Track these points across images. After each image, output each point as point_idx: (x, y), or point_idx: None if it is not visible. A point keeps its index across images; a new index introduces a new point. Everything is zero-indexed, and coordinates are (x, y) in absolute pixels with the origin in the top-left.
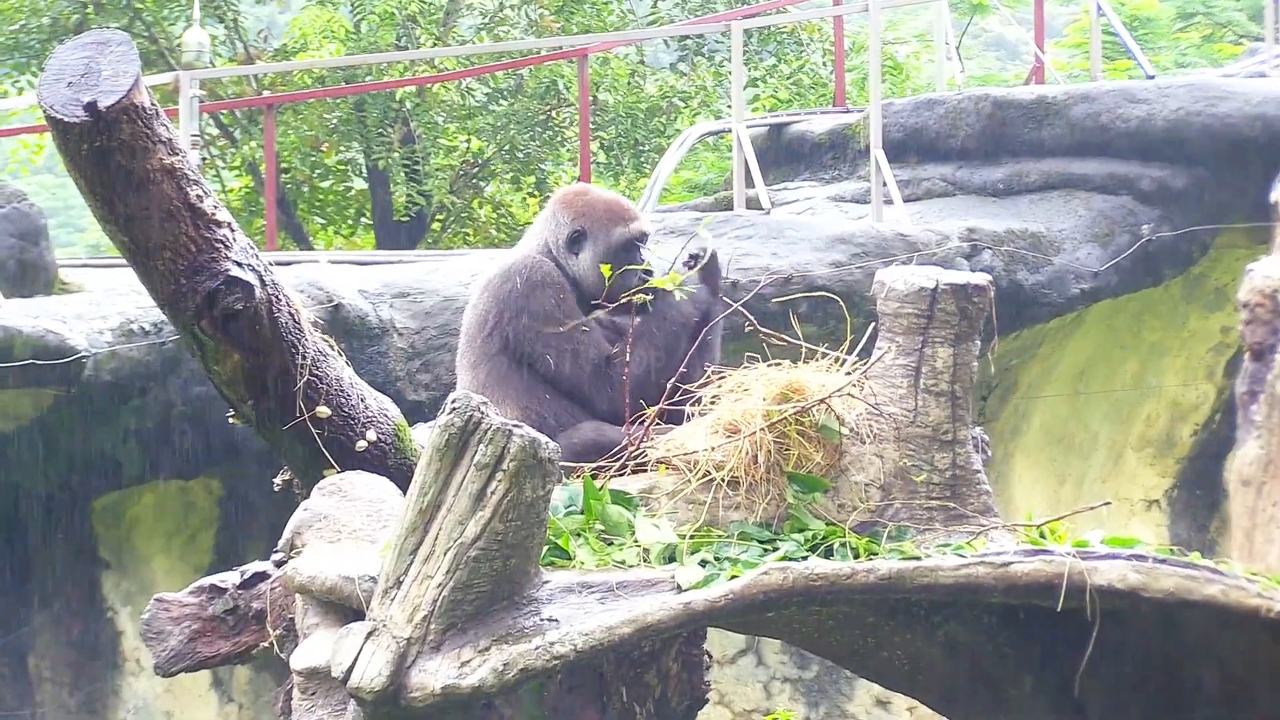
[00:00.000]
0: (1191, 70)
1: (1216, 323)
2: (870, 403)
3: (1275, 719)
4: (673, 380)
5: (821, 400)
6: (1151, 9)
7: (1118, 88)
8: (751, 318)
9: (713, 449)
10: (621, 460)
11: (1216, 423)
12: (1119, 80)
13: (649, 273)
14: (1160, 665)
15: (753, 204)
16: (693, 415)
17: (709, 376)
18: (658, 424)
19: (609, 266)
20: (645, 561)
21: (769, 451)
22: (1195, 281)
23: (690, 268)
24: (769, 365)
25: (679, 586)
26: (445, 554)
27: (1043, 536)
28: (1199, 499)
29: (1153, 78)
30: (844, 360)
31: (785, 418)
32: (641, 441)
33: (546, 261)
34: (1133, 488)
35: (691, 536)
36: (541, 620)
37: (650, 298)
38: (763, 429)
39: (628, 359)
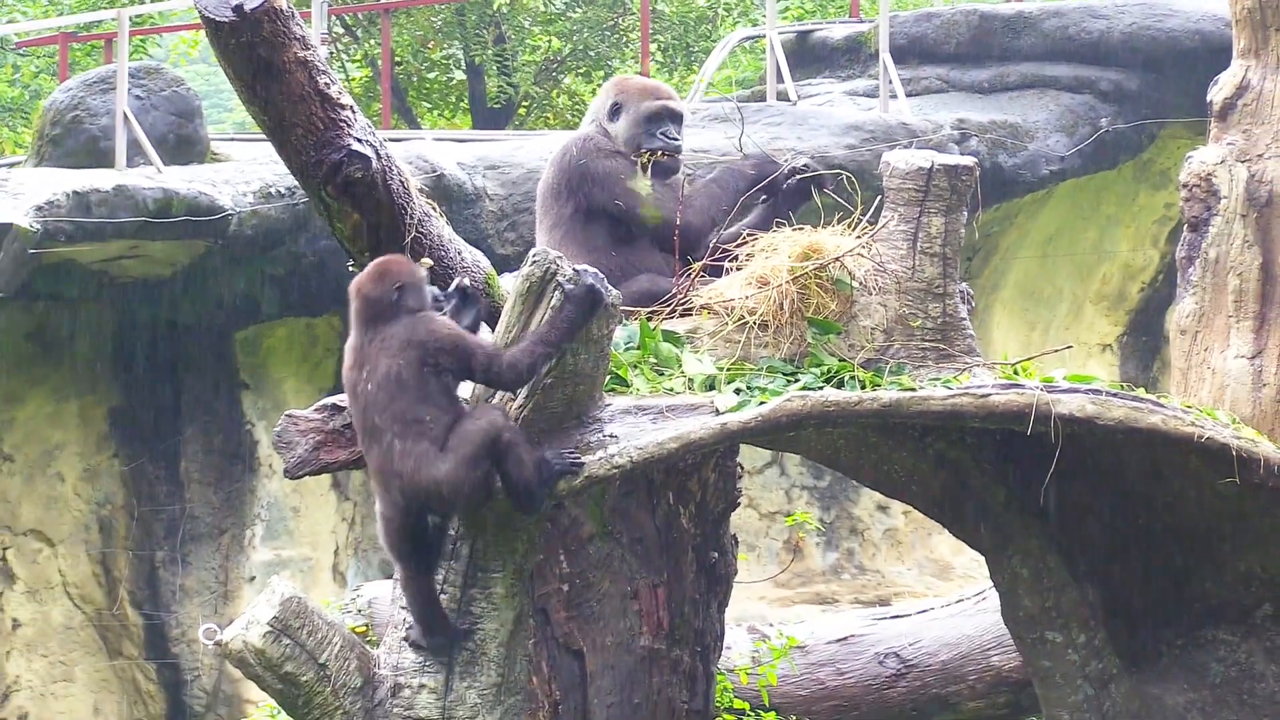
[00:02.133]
0: None
1: (1161, 200)
2: (876, 261)
3: (1203, 525)
4: (714, 240)
5: (837, 258)
6: None
7: (1083, 5)
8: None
9: (746, 298)
10: (671, 306)
11: (1160, 282)
12: None
13: (674, 138)
14: (1112, 482)
15: (782, 97)
16: (730, 269)
17: (744, 238)
18: (702, 276)
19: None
20: (690, 389)
21: (793, 300)
22: (1144, 166)
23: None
24: (794, 229)
25: (717, 410)
26: None
27: (1016, 373)
28: (1144, 344)
29: None
30: (855, 226)
31: (806, 272)
32: (688, 291)
33: (596, 135)
34: (1090, 334)
35: (728, 369)
36: (604, 436)
37: (661, 157)
38: (788, 281)
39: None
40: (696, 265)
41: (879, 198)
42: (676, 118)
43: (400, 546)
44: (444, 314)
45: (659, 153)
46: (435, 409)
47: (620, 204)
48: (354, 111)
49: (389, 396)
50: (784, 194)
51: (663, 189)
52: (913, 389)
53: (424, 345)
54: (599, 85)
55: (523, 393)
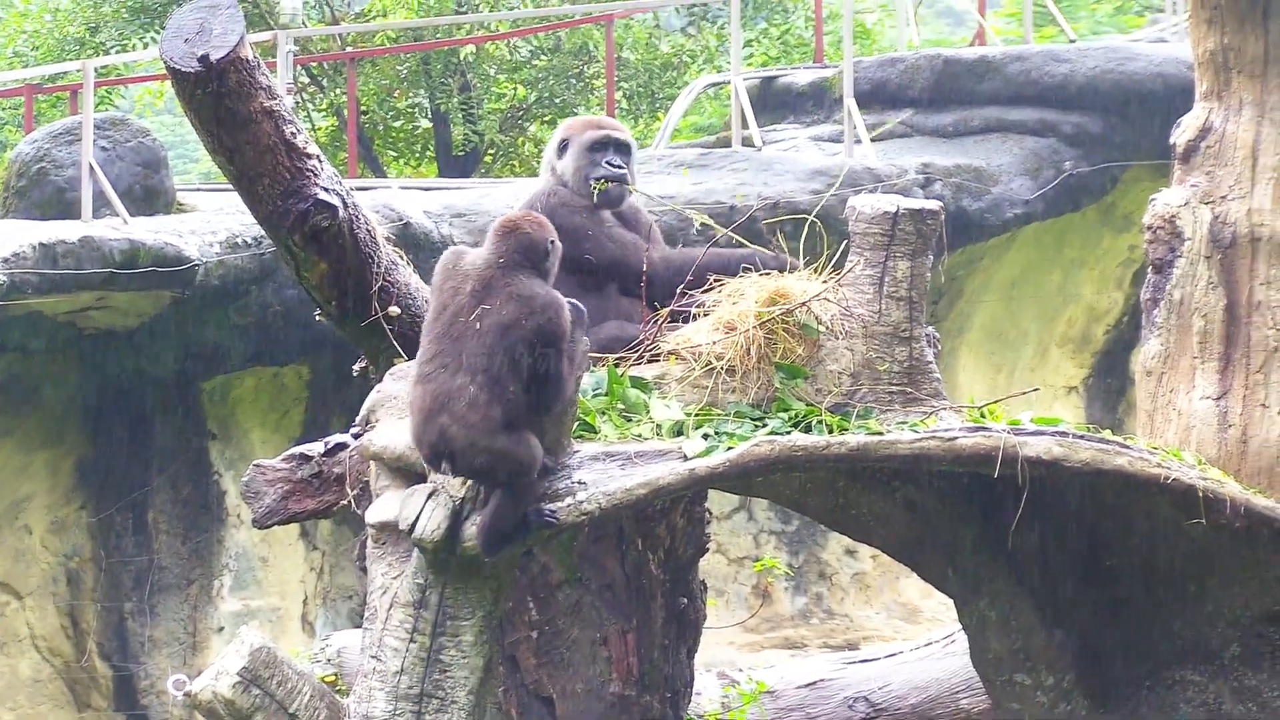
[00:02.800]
0: (1105, 36)
1: (1125, 242)
2: (843, 306)
3: (1170, 566)
4: (681, 287)
5: (803, 303)
6: None
7: (1045, 49)
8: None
9: (714, 343)
10: (639, 352)
11: (1124, 324)
12: (1046, 44)
13: (619, 166)
14: (1079, 524)
15: (747, 143)
16: (698, 315)
17: (711, 283)
18: (669, 322)
19: (584, 160)
20: (658, 435)
21: (760, 345)
22: (1108, 208)
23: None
24: (760, 274)
25: (685, 455)
26: None
27: (983, 416)
28: (1110, 386)
29: (1074, 41)
30: (822, 271)
31: (773, 317)
32: (655, 336)
33: (558, 187)
34: (1056, 376)
35: (696, 415)
36: (573, 483)
37: (606, 185)
38: (755, 327)
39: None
40: (664, 311)
41: (845, 242)
42: (621, 147)
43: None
44: None
45: (603, 181)
46: (519, 388)
47: (591, 258)
48: (320, 160)
49: (494, 346)
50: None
51: (630, 236)
52: (880, 433)
53: (550, 324)
54: None
55: None
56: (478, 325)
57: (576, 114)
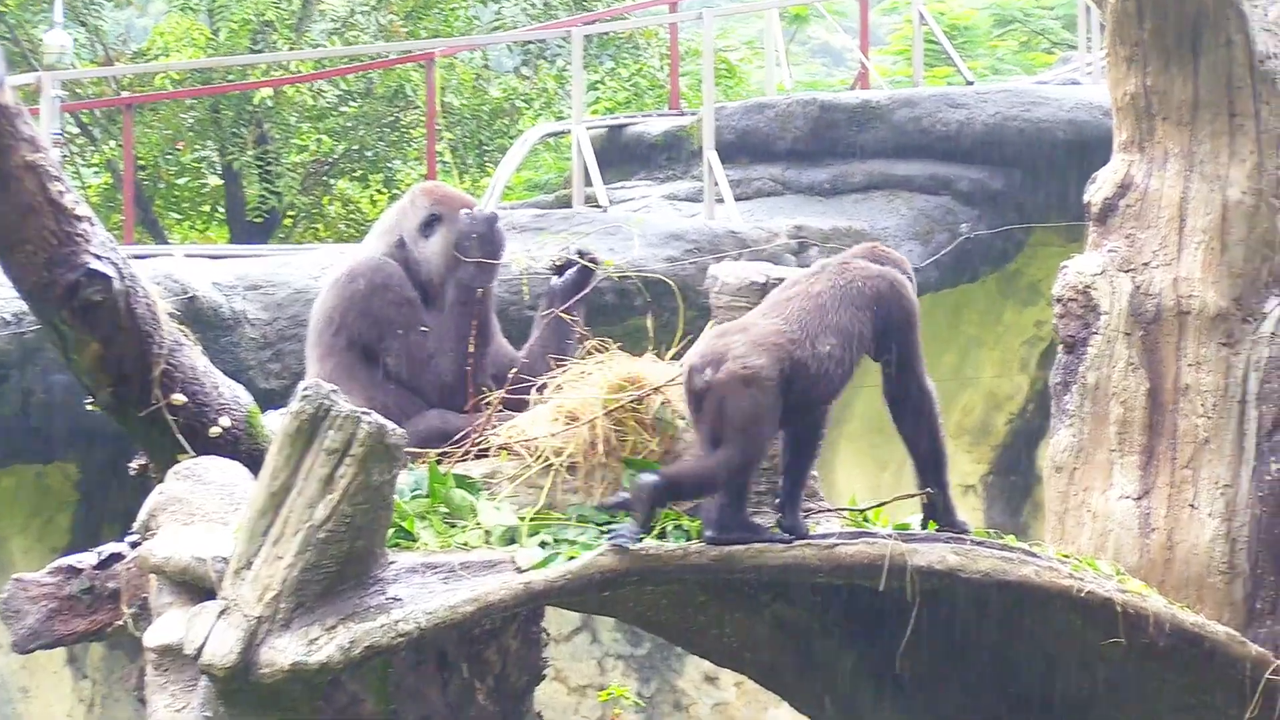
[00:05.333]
0: (1008, 77)
1: (1030, 317)
2: None
3: (1082, 692)
4: (516, 370)
5: (657, 389)
6: (970, 18)
7: (938, 93)
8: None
9: (553, 435)
10: (465, 446)
11: (1030, 412)
12: (939, 86)
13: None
14: (978, 642)
15: (591, 202)
16: (535, 403)
17: (552, 365)
18: (502, 411)
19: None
20: (487, 543)
21: (607, 438)
22: (1010, 278)
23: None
24: (598, 346)
25: (519, 567)
26: (295, 535)
27: (866, 520)
28: (1013, 484)
29: (972, 84)
30: (679, 351)
31: (622, 406)
32: (485, 428)
33: (390, 263)
34: (951, 473)
35: (531, 519)
36: (387, 599)
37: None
38: (601, 416)
39: (469, 355)
40: (494, 397)
41: (706, 318)
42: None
43: None
44: None
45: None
46: (837, 343)
47: (390, 361)
48: (92, 224)
49: (823, 302)
50: (559, 293)
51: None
52: None
53: (895, 294)
54: (377, 190)
55: (290, 550)
56: (812, 290)
57: (392, 169)
